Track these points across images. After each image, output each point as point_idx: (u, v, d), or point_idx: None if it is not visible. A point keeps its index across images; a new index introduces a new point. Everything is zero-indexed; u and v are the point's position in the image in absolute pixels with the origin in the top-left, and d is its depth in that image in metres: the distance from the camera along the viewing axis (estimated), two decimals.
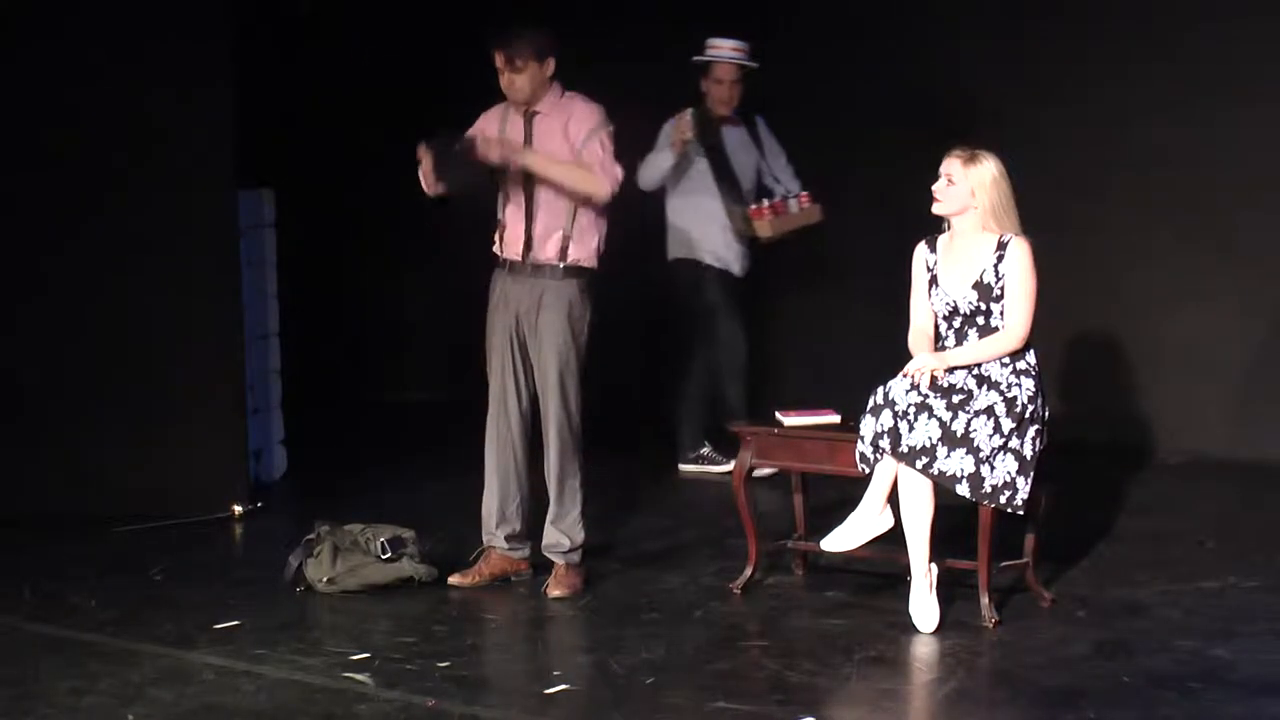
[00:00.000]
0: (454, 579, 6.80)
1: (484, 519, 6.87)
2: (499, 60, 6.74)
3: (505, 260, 6.83)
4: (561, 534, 6.75)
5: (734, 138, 9.02)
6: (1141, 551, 7.34)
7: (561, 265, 6.73)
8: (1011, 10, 9.89)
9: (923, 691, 5.64)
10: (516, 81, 6.73)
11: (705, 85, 8.95)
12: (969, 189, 6.25)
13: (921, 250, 6.43)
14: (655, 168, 8.83)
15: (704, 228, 8.96)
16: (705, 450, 9.10)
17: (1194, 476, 8.86)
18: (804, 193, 8.99)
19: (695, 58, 8.93)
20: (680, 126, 8.72)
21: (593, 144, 6.69)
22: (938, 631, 6.08)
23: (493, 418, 6.84)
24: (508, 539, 6.84)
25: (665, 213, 9.04)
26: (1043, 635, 6.07)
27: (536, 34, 6.73)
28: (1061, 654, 5.85)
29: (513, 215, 6.81)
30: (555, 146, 6.70)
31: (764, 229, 8.90)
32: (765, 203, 8.93)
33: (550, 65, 6.76)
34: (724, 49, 8.90)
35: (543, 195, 6.74)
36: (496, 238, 6.88)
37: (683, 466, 9.14)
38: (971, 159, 6.26)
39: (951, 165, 6.28)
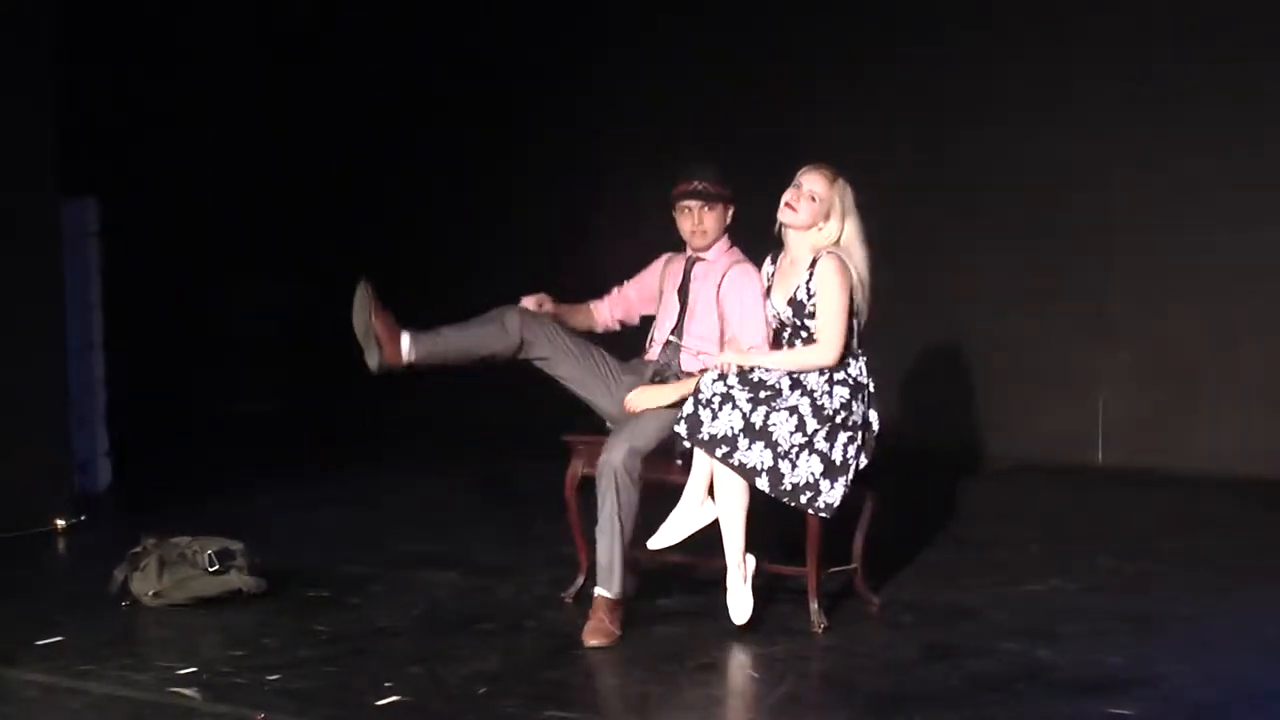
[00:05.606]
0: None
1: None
2: (686, 195, 6.27)
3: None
4: None
5: None
6: (968, 556, 7.46)
7: None
8: (844, 21, 10.03)
9: (753, 697, 5.68)
10: (706, 221, 6.30)
11: None
12: (826, 210, 6.20)
13: (766, 264, 6.43)
14: None
15: None
16: None
17: (1019, 481, 9.00)
18: None
19: None
20: None
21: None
22: (767, 637, 6.12)
23: None
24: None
25: None
26: (871, 640, 6.14)
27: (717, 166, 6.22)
28: (889, 658, 5.92)
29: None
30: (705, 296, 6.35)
31: None
32: None
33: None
34: None
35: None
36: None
37: None
38: (834, 180, 6.21)
39: (816, 181, 6.20)
